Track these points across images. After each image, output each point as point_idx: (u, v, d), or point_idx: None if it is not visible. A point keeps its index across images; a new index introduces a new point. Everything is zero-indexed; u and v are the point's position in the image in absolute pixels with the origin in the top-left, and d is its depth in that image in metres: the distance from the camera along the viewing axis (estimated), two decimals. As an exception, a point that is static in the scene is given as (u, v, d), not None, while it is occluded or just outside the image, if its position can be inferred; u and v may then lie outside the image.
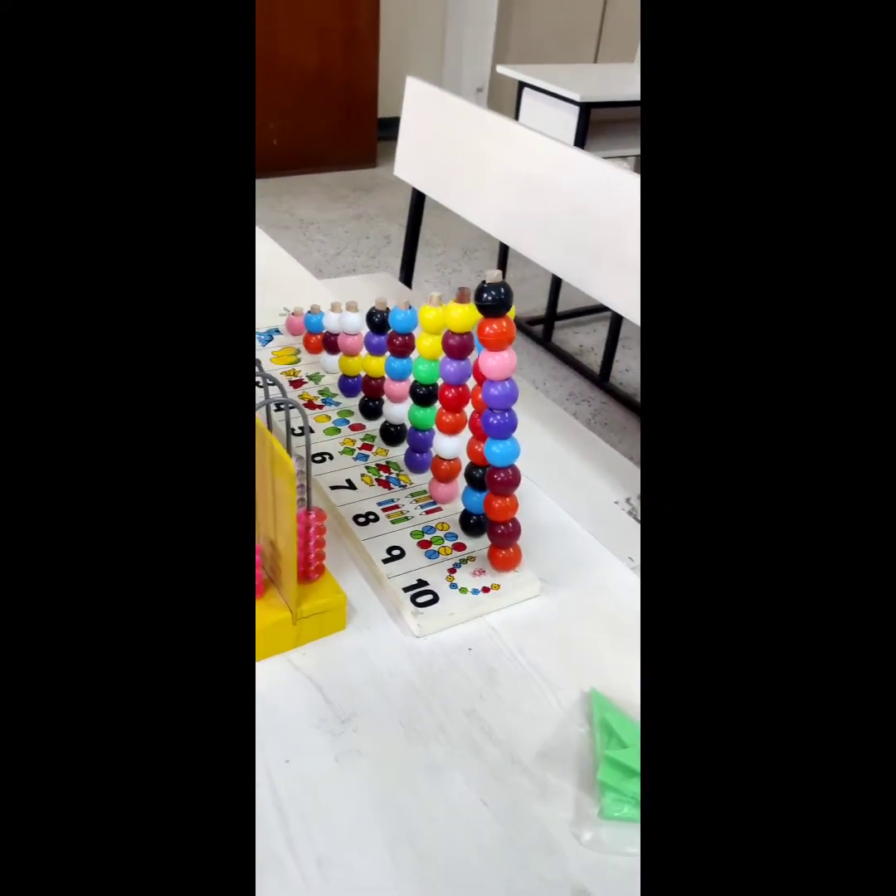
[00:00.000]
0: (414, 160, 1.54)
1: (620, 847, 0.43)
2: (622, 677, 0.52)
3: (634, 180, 1.02)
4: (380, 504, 0.63)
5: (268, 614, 0.50)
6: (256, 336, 0.84)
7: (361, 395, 0.73)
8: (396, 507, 0.62)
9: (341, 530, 0.61)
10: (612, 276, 1.06)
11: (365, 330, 0.70)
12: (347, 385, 0.74)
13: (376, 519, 0.61)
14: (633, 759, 0.45)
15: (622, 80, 2.19)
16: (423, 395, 0.62)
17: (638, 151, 2.16)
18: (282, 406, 0.59)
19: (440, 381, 0.59)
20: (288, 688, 0.50)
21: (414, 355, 0.63)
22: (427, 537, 0.60)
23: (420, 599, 0.55)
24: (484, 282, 0.50)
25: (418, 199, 1.61)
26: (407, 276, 1.67)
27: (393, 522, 0.61)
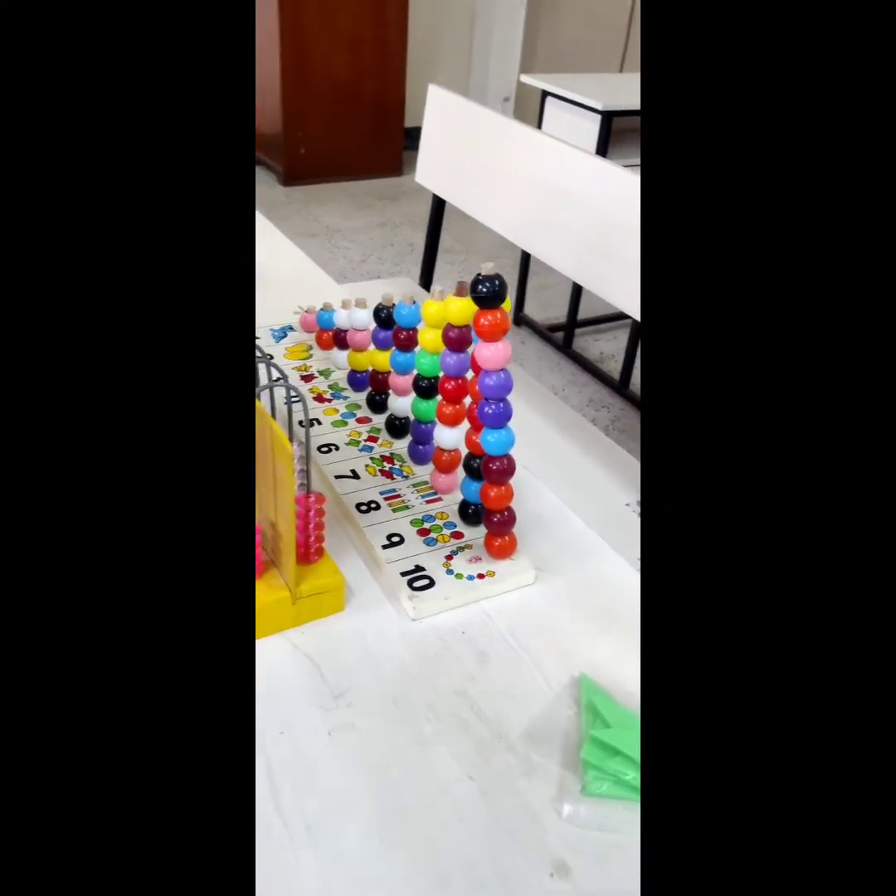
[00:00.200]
0: (435, 167, 1.57)
1: (599, 822, 0.44)
2: (612, 663, 0.53)
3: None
4: (382, 493, 0.64)
5: (268, 593, 0.52)
6: (271, 333, 0.87)
7: (369, 389, 0.75)
8: (398, 496, 0.64)
9: (344, 517, 0.63)
10: (633, 283, 1.07)
11: (373, 326, 0.72)
12: (356, 380, 0.76)
13: (378, 507, 0.63)
14: (616, 739, 0.46)
15: (645, 89, 2.20)
16: (425, 387, 0.64)
17: (660, 160, 2.16)
18: (296, 397, 0.61)
19: (441, 374, 0.61)
20: (286, 665, 0.52)
21: (418, 349, 0.65)
22: (426, 525, 0.61)
23: (417, 584, 0.56)
24: (479, 274, 0.51)
25: (438, 206, 1.63)
26: (427, 282, 1.69)
27: (394, 511, 0.63)
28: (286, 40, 3.25)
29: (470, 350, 0.58)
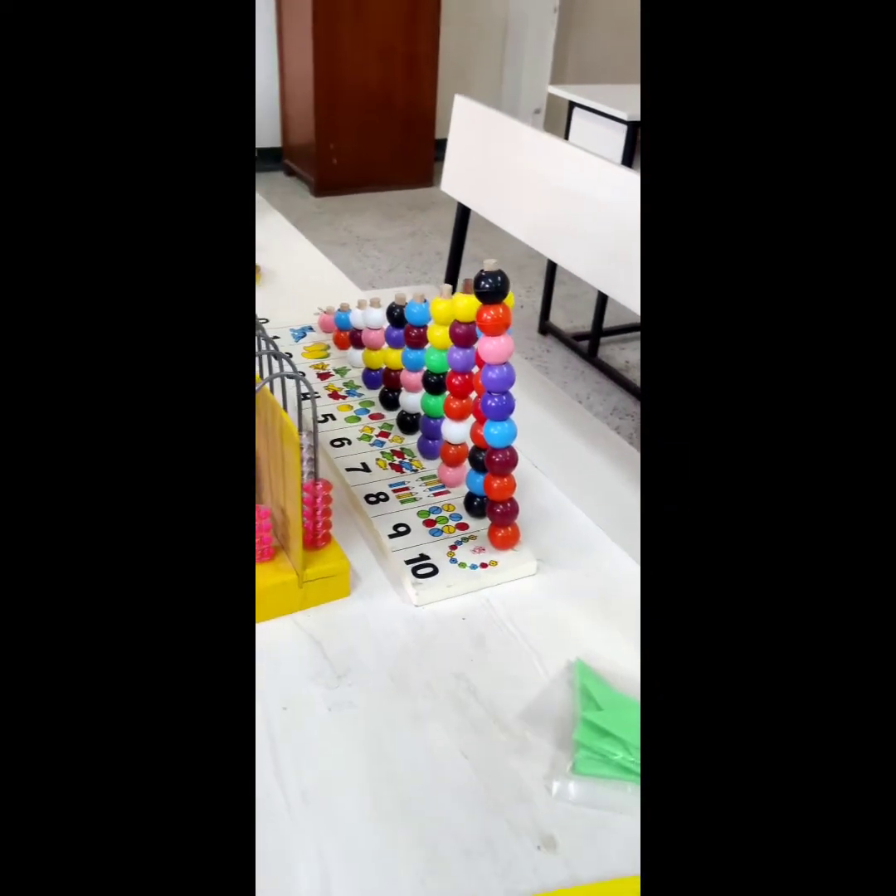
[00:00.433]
0: (461, 176, 1.59)
1: (588, 800, 0.45)
2: (608, 651, 0.54)
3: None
4: (391, 485, 0.66)
5: (275, 576, 0.54)
6: (291, 333, 0.89)
7: (382, 386, 0.77)
8: (406, 488, 0.66)
9: (353, 508, 0.65)
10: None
11: (386, 324, 0.74)
12: (370, 377, 0.79)
13: (386, 498, 0.65)
14: (607, 721, 0.48)
15: (672, 100, 2.20)
16: (434, 383, 0.66)
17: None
18: (305, 392, 0.63)
19: (449, 370, 0.63)
20: (291, 645, 0.54)
21: (428, 347, 0.67)
22: (432, 517, 0.63)
23: (420, 572, 0.58)
24: (482, 271, 0.53)
25: (463, 214, 1.65)
26: (451, 290, 1.71)
27: (402, 502, 0.64)
28: (319, 53, 3.31)
29: (476, 346, 0.60)
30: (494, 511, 0.59)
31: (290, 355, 0.85)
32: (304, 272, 1.11)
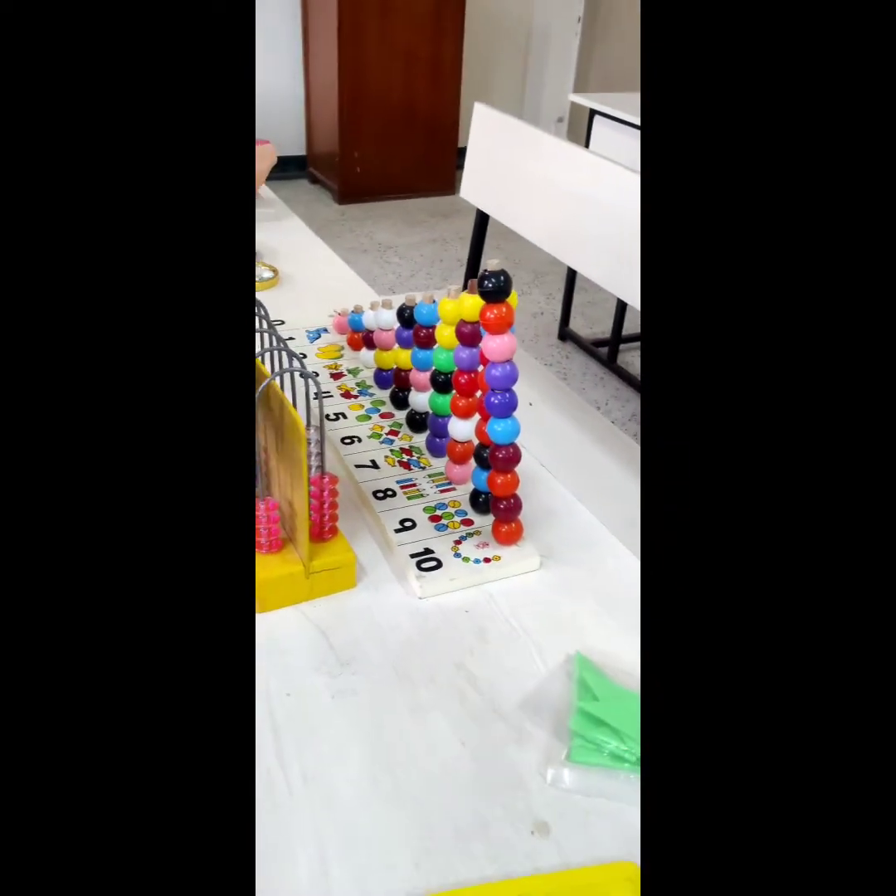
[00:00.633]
0: (480, 183, 1.61)
1: (582, 787, 0.46)
2: (608, 645, 0.55)
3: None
4: (399, 482, 0.68)
5: (283, 567, 0.56)
6: (306, 334, 0.91)
7: (393, 386, 0.78)
8: (414, 485, 0.67)
9: (361, 504, 0.67)
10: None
11: (397, 325, 0.75)
12: (381, 378, 0.80)
13: (394, 494, 0.66)
14: (602, 711, 0.48)
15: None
16: (442, 382, 0.67)
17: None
18: (314, 388, 0.65)
19: (456, 369, 0.64)
20: (297, 634, 0.55)
21: (436, 346, 0.68)
22: (438, 512, 0.64)
23: (425, 565, 0.59)
24: (485, 270, 0.55)
25: (482, 221, 1.67)
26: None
27: (409, 498, 0.66)
28: (344, 63, 3.35)
29: (481, 344, 0.61)
30: (498, 507, 0.61)
31: (304, 355, 0.86)
32: (322, 276, 1.12)
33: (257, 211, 1.29)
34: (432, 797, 0.45)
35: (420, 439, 0.73)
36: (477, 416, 0.64)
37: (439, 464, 0.70)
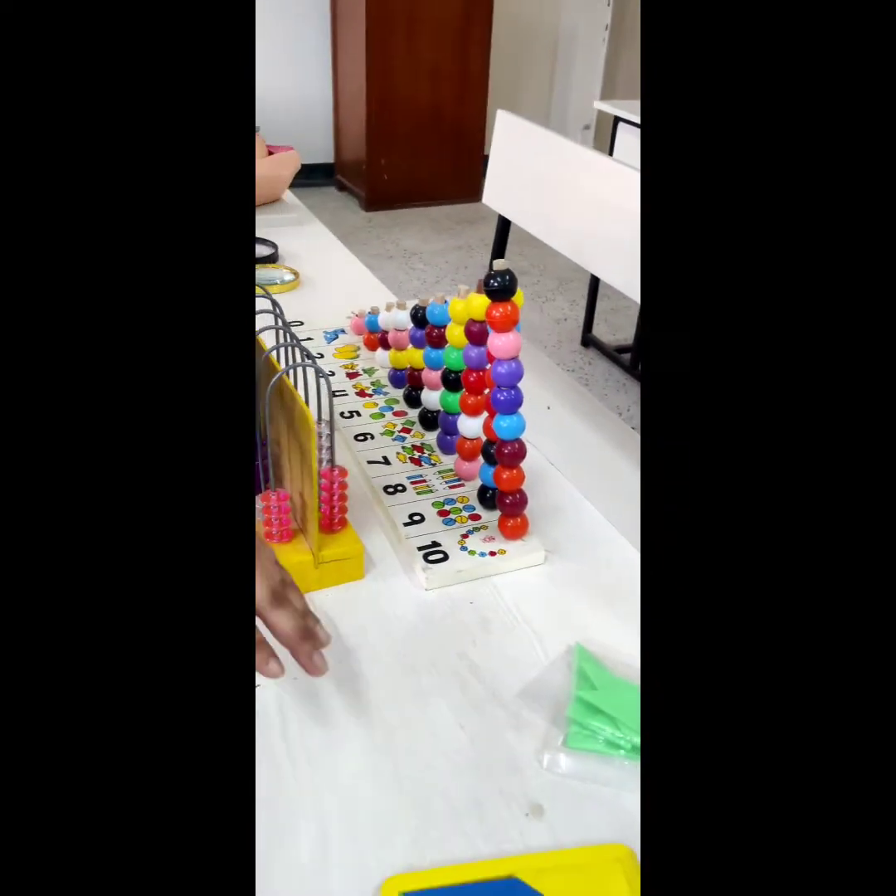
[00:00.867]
0: (502, 189, 1.62)
1: (577, 773, 0.47)
2: (608, 637, 0.56)
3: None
4: (409, 478, 0.69)
5: (293, 556, 0.58)
6: (324, 335, 0.93)
7: (407, 385, 0.80)
8: (424, 481, 0.69)
9: (373, 498, 0.68)
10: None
11: (411, 326, 0.77)
12: (396, 377, 0.82)
13: (404, 490, 0.68)
14: (599, 700, 0.50)
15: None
16: (452, 380, 0.69)
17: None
18: (325, 382, 0.67)
19: (465, 367, 0.65)
20: (305, 622, 0.57)
21: (448, 346, 0.70)
22: (447, 507, 0.66)
23: (432, 557, 0.61)
24: (491, 270, 0.56)
25: (504, 226, 1.69)
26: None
27: (418, 493, 0.67)
28: (372, 71, 3.39)
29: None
30: (504, 501, 0.62)
31: (321, 355, 0.89)
32: (343, 280, 1.15)
33: (280, 215, 1.32)
34: (430, 778, 0.47)
35: (432, 437, 0.75)
36: (486, 414, 0.66)
37: (449, 460, 0.72)
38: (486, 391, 0.65)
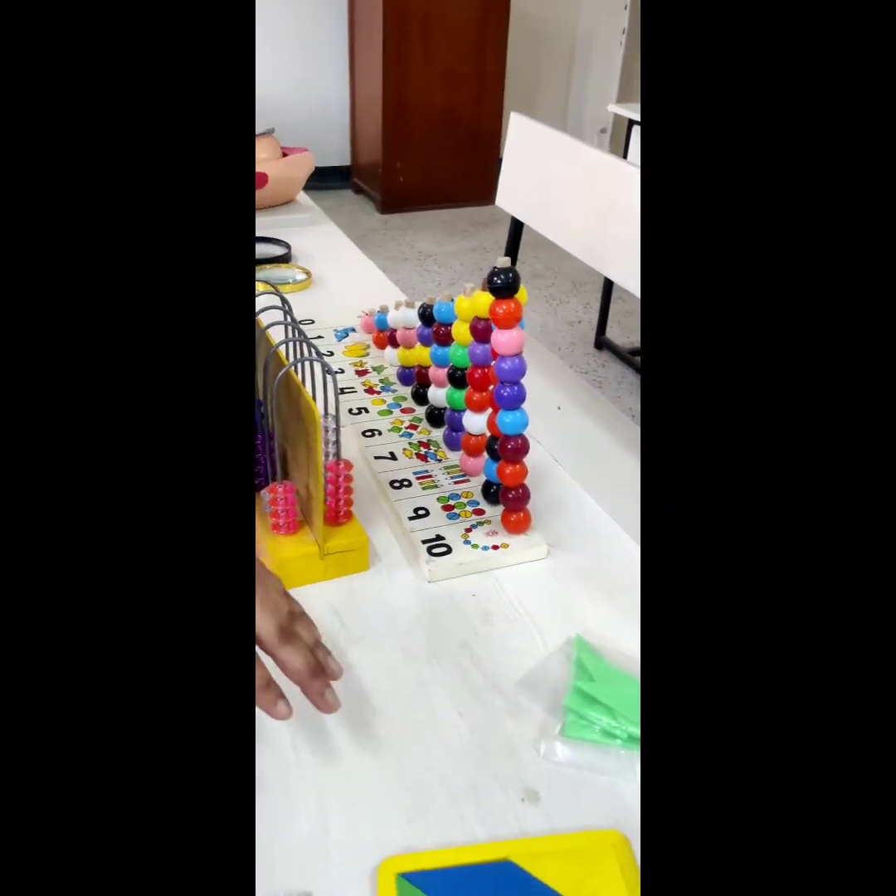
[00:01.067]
0: (515, 191, 1.63)
1: (573, 761, 0.48)
2: (608, 629, 0.57)
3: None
4: (415, 473, 0.70)
5: (299, 548, 0.59)
6: (334, 333, 0.95)
7: (415, 383, 0.81)
8: (429, 476, 0.70)
9: (379, 492, 0.69)
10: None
11: (419, 324, 0.78)
12: (404, 375, 0.83)
13: (410, 484, 0.69)
14: (597, 690, 0.50)
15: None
16: (458, 377, 0.70)
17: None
18: (330, 373, 0.68)
19: (471, 364, 0.66)
20: (311, 611, 0.57)
21: (454, 343, 0.71)
22: (451, 502, 0.67)
23: (435, 551, 0.62)
24: (495, 267, 0.57)
25: (516, 228, 1.70)
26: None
27: (424, 488, 0.68)
28: (389, 75, 3.41)
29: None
30: (507, 496, 0.63)
31: (331, 353, 0.90)
32: (355, 280, 1.16)
33: (293, 216, 1.34)
34: (428, 760, 0.48)
35: (438, 434, 0.76)
36: (490, 410, 0.66)
37: (455, 457, 0.73)
38: (491, 387, 0.66)
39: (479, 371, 0.66)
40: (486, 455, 0.68)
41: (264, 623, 0.44)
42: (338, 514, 0.61)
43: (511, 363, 0.59)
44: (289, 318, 0.62)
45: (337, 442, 0.60)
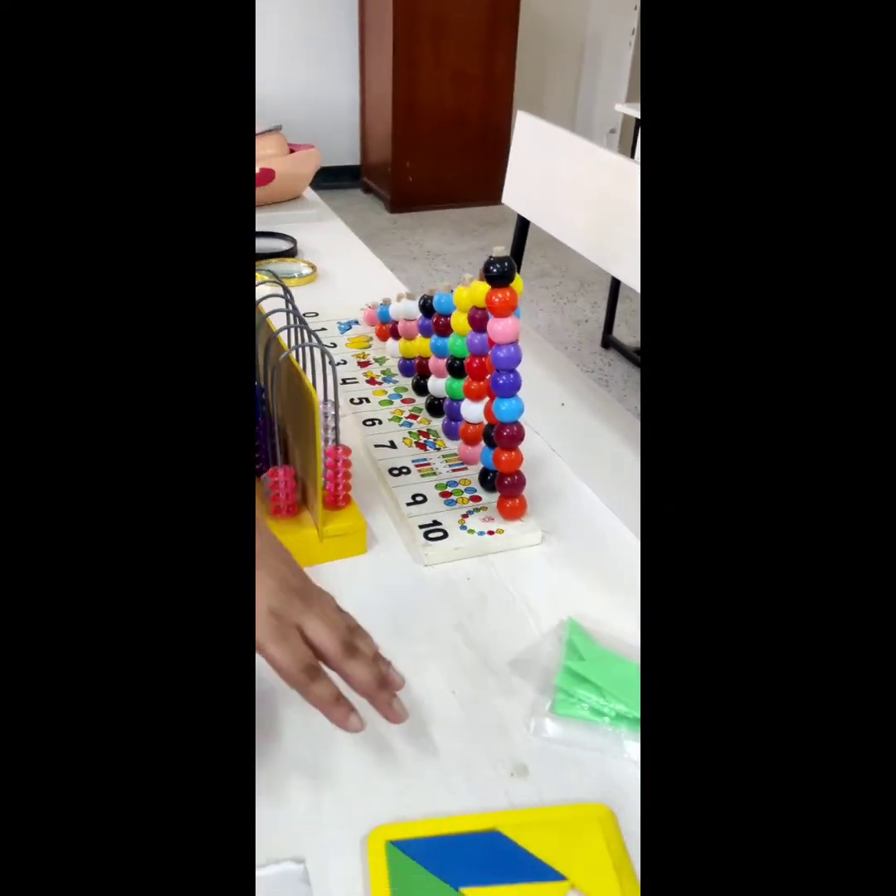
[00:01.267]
0: (522, 190, 1.64)
1: (562, 738, 0.49)
2: (601, 613, 0.58)
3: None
4: (414, 461, 0.72)
5: (298, 531, 0.60)
6: (338, 325, 0.96)
7: (416, 374, 0.82)
8: (428, 464, 0.71)
9: (378, 479, 0.71)
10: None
11: (420, 316, 0.79)
12: (405, 366, 0.84)
13: (408, 472, 0.70)
14: (587, 670, 0.51)
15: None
16: (457, 367, 0.71)
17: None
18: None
19: (468, 353, 0.68)
20: (309, 593, 0.59)
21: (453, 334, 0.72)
22: (449, 489, 0.68)
23: (432, 535, 0.63)
24: (491, 256, 0.58)
25: (523, 226, 1.71)
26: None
27: (422, 476, 0.70)
28: (399, 75, 3.43)
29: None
30: (503, 483, 0.64)
31: (335, 345, 0.91)
32: (359, 275, 1.17)
33: (300, 212, 1.35)
34: (419, 733, 0.49)
35: (437, 423, 0.77)
36: (487, 399, 0.68)
37: (454, 446, 0.74)
38: (488, 377, 0.67)
39: (477, 360, 0.67)
40: (483, 443, 0.69)
41: (328, 640, 0.45)
42: (336, 499, 0.62)
43: (507, 351, 0.60)
44: (290, 307, 0.63)
45: (336, 427, 0.61)
